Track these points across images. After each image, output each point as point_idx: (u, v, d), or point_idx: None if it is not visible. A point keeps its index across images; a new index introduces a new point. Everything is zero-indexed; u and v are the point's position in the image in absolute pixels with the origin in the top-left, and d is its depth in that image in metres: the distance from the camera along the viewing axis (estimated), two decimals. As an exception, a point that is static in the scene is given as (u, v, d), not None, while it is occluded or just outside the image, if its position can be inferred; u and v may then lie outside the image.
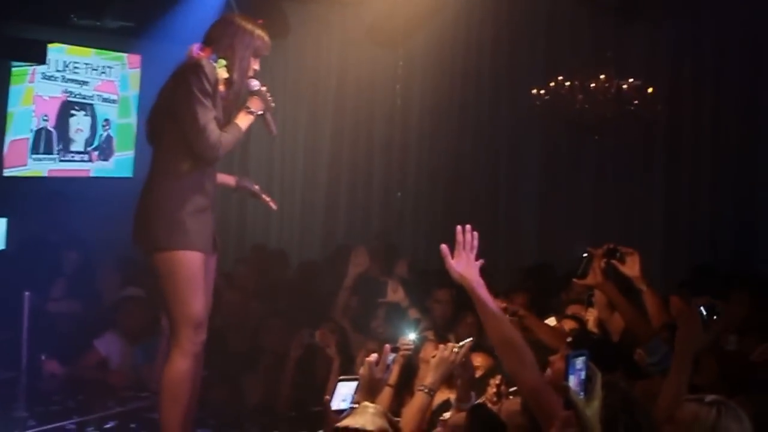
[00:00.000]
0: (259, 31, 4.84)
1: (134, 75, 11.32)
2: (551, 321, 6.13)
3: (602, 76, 10.15)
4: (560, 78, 10.31)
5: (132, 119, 11.36)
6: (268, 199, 5.32)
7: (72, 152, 11.07)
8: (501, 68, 11.80)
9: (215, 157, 4.67)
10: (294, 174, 12.37)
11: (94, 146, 11.13)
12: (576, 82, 10.22)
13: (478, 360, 5.00)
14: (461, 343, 4.39)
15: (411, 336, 5.12)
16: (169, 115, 4.66)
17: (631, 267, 5.13)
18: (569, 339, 4.95)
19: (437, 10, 10.97)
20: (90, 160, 11.19)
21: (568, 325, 5.86)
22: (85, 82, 10.85)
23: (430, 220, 11.90)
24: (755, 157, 10.84)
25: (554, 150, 11.68)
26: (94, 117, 11.00)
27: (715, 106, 11.07)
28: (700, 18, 10.97)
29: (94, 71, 10.90)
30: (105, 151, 11.27)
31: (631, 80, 10.18)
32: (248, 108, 4.81)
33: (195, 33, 5.15)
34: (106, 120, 11.17)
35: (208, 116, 4.54)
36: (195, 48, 4.70)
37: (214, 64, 4.68)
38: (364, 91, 12.00)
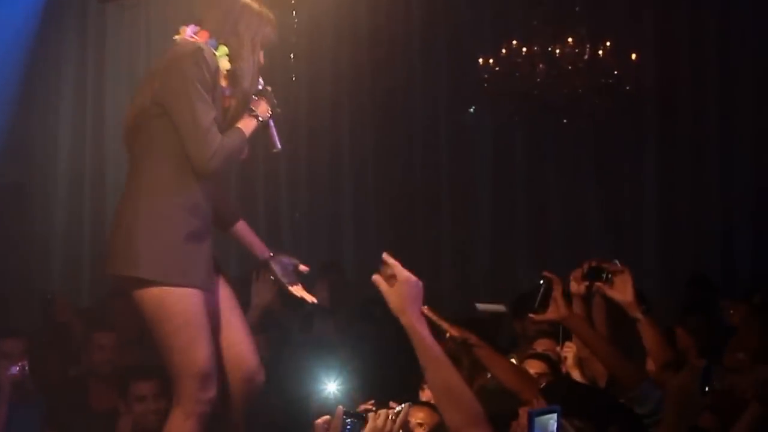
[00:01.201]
0: (268, 14, 4.45)
1: None
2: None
3: (570, 39, 9.22)
4: (515, 43, 9.32)
5: None
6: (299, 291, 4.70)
7: None
8: (436, 31, 10.56)
9: (213, 169, 4.23)
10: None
11: None
12: (536, 48, 9.29)
13: (420, 416, 4.47)
14: (397, 409, 3.90)
15: (329, 388, 4.79)
16: (157, 114, 4.24)
17: (622, 290, 4.67)
18: (543, 385, 4.53)
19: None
20: None
21: (535, 367, 5.17)
22: None
23: (351, 230, 10.77)
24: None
25: (510, 139, 10.62)
26: None
27: (722, 78, 10.18)
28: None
29: None
30: None
31: (608, 44, 9.22)
32: (252, 111, 4.39)
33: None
34: None
35: (209, 116, 4.17)
36: (188, 30, 4.36)
37: (214, 52, 4.29)
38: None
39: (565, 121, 9.78)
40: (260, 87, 4.43)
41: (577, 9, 9.35)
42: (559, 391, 3.98)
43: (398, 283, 3.15)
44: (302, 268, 4.63)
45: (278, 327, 7.07)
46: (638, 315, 4.64)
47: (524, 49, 9.23)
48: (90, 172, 10.64)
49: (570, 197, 10.51)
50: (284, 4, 9.42)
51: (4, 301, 8.34)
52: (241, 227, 4.63)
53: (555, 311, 4.67)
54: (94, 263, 10.04)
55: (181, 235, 4.25)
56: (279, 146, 4.46)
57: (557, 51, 9.18)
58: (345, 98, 10.75)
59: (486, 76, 9.39)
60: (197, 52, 4.18)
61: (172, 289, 4.19)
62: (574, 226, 10.38)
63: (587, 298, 4.90)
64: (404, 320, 3.15)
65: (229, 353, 4.42)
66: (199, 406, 4.21)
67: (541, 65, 9.19)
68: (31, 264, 10.23)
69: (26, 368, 5.55)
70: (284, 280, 4.62)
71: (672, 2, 10.29)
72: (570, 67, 9.16)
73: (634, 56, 9.25)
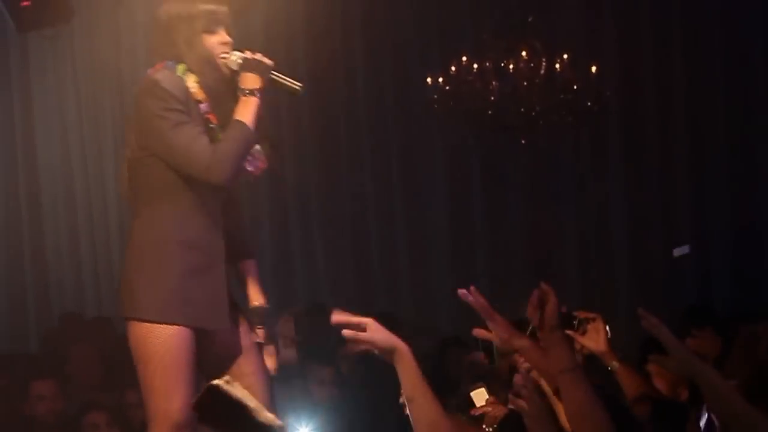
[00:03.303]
0: (199, 5, 4.32)
1: None
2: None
3: (524, 53, 8.91)
4: (464, 59, 8.98)
5: None
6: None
7: None
8: (380, 52, 10.22)
9: (218, 178, 4.17)
10: (104, 192, 10.33)
11: None
12: (487, 64, 8.97)
13: None
14: None
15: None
16: (145, 156, 4.26)
17: (595, 338, 4.45)
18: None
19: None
20: None
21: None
22: None
23: (308, 260, 10.33)
24: (747, 152, 9.73)
25: (464, 162, 10.23)
26: None
27: (686, 87, 9.87)
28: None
29: None
30: None
31: (565, 56, 8.94)
32: (243, 90, 4.28)
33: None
34: None
35: (186, 133, 4.14)
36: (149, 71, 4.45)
37: (178, 75, 4.26)
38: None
39: (523, 141, 9.42)
40: (239, 61, 4.31)
41: (530, 19, 9.06)
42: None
43: (372, 325, 3.22)
44: (265, 345, 4.54)
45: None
46: (614, 364, 4.53)
47: (475, 66, 8.95)
48: (26, 212, 10.38)
49: (525, 222, 10.17)
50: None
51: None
52: (248, 267, 4.59)
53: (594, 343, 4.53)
54: (39, 308, 10.02)
55: (176, 272, 4.23)
56: (299, 87, 4.38)
57: (511, 66, 8.92)
58: (286, 130, 10.15)
59: (435, 96, 9.11)
60: (150, 84, 4.21)
61: (159, 327, 4.16)
62: (530, 253, 10.01)
63: None
64: (400, 351, 3.23)
65: None
66: None
67: (494, 82, 8.94)
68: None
69: None
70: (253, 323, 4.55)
71: (631, 7, 10.01)
72: (525, 84, 8.90)
73: (594, 69, 8.95)
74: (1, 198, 10.47)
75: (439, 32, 10.06)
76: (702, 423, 4.33)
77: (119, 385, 7.35)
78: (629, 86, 9.88)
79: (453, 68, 8.97)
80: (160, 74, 4.25)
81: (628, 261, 9.97)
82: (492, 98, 8.94)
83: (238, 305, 4.52)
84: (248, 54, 4.32)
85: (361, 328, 3.23)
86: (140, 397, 4.84)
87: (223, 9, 4.39)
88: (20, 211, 10.46)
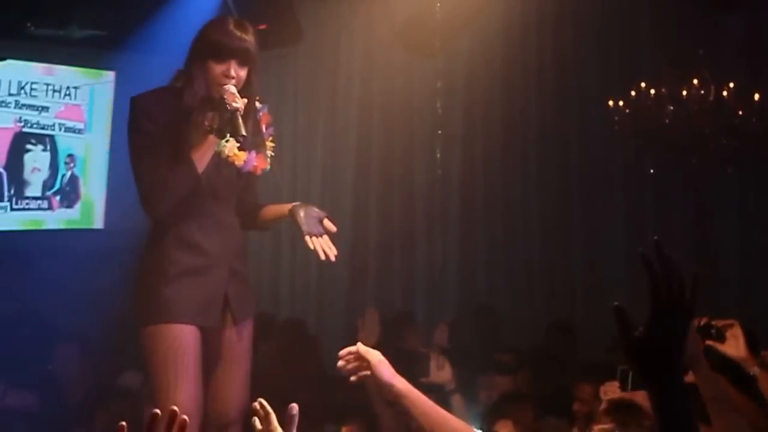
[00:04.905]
0: (210, 27, 4.31)
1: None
2: None
3: (695, 81, 9.03)
4: (643, 85, 9.18)
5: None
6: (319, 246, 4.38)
7: (27, 198, 9.38)
8: (568, 76, 10.51)
9: (151, 213, 4.24)
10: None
11: (54, 190, 9.55)
12: (663, 90, 9.14)
13: None
14: None
15: None
16: None
17: (735, 345, 4.06)
18: None
19: (484, 7, 9.75)
20: (50, 208, 9.55)
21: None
22: (44, 108, 9.32)
23: (481, 270, 10.54)
24: None
25: (640, 179, 10.35)
26: (54, 152, 9.44)
27: None
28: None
29: (56, 93, 9.37)
30: (69, 195, 9.64)
31: (731, 85, 9.02)
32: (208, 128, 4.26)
33: (182, 42, 4.53)
34: (70, 155, 9.59)
35: (142, 165, 4.15)
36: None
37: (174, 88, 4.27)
38: (396, 106, 10.62)
39: (693, 161, 9.57)
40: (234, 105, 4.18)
41: (700, 52, 9.18)
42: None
43: (378, 355, 3.31)
44: (327, 224, 4.40)
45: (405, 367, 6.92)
46: (755, 370, 4.12)
47: (652, 91, 9.11)
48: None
49: (697, 237, 10.19)
50: (429, 50, 9.86)
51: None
52: (264, 211, 4.59)
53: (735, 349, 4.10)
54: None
55: (170, 273, 4.26)
56: (243, 135, 4.21)
57: (684, 92, 9.04)
58: (479, 138, 10.67)
59: (616, 117, 9.29)
60: (132, 106, 4.20)
61: (153, 327, 4.22)
62: (701, 266, 9.24)
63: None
64: (399, 385, 3.25)
65: (213, 406, 4.35)
66: None
67: (670, 107, 9.08)
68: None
69: None
70: (304, 227, 4.38)
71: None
72: (696, 108, 9.01)
73: (756, 96, 8.96)
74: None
75: (621, 61, 10.21)
76: None
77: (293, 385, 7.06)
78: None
79: (633, 93, 9.18)
80: (142, 96, 4.22)
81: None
82: (666, 121, 9.07)
83: (240, 309, 4.47)
84: (228, 95, 4.16)
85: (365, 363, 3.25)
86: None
87: (237, 44, 4.24)
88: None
